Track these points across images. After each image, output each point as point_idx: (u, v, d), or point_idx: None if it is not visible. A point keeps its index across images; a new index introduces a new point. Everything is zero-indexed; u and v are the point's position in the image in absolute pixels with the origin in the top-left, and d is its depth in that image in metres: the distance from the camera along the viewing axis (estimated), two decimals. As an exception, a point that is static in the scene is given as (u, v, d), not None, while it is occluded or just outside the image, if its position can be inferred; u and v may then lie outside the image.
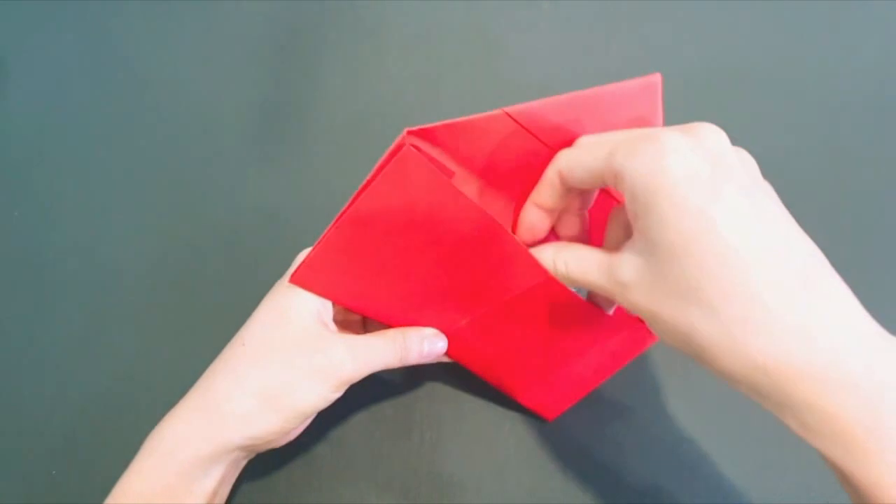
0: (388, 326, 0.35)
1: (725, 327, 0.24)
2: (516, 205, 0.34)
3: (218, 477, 0.33)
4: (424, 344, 0.35)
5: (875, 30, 0.49)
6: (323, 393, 0.33)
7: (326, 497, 0.40)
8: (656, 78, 0.32)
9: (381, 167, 0.31)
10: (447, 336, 0.36)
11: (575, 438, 0.41)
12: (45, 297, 0.44)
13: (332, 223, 0.33)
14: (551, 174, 0.31)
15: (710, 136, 0.26)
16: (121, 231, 0.45)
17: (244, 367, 0.33)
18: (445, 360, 0.37)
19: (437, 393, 0.41)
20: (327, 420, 0.40)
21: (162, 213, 0.46)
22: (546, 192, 0.32)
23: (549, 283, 0.33)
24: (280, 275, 0.35)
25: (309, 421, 0.36)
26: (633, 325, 0.37)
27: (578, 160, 0.29)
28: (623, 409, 0.41)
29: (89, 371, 0.43)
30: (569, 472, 0.40)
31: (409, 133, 0.31)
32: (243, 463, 0.36)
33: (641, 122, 0.32)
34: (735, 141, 0.27)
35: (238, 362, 0.33)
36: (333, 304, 0.35)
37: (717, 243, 0.24)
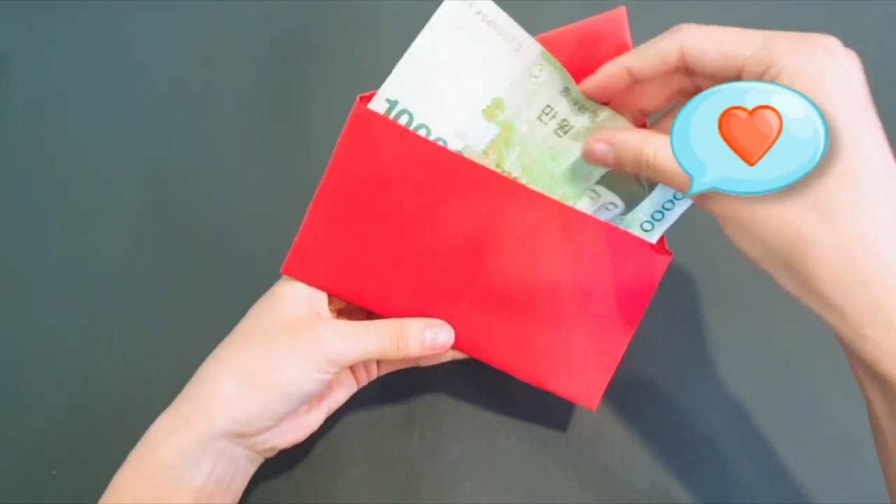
0: None
1: (838, 235, 0.25)
2: None
3: (207, 471, 0.31)
4: (426, 333, 0.34)
5: (875, 30, 0.49)
6: (305, 370, 0.32)
7: (326, 497, 0.40)
8: (621, 10, 0.32)
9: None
10: (454, 326, 0.35)
11: (575, 438, 0.41)
12: (45, 296, 0.44)
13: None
14: (667, 45, 0.29)
15: (855, 60, 0.26)
16: (120, 230, 0.45)
17: (227, 351, 0.33)
18: (459, 355, 0.36)
19: (437, 393, 0.41)
20: (327, 420, 0.40)
21: (162, 213, 0.46)
22: (650, 58, 0.29)
23: (534, 200, 0.33)
24: (278, 276, 0.35)
25: (318, 419, 0.36)
26: (639, 245, 0.35)
27: (717, 38, 0.28)
28: (624, 409, 0.41)
29: (88, 371, 0.43)
30: (569, 472, 0.40)
31: (362, 98, 0.33)
32: (245, 465, 0.34)
33: (619, 51, 0.32)
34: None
35: (223, 348, 0.33)
36: (330, 296, 0.35)
37: (856, 161, 0.25)
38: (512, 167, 0.34)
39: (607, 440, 0.41)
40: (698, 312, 0.43)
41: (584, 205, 0.35)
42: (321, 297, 0.34)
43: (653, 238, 0.35)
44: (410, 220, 0.34)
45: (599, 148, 0.32)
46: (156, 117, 0.48)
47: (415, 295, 0.34)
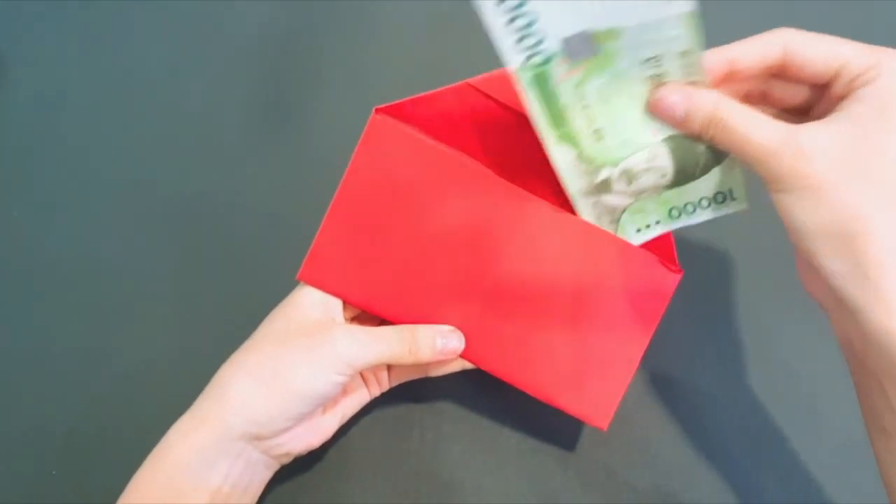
0: None
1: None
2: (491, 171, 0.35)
3: (223, 472, 0.32)
4: (437, 339, 0.34)
5: (874, 30, 0.49)
6: (320, 373, 0.32)
7: (326, 497, 0.40)
8: None
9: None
10: (465, 334, 0.35)
11: (575, 438, 0.41)
12: (45, 296, 0.44)
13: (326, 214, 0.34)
14: (771, 41, 0.29)
15: None
16: (120, 230, 0.45)
17: (244, 354, 0.34)
18: (468, 366, 0.37)
19: (438, 393, 0.41)
20: (327, 420, 0.40)
21: (161, 213, 0.46)
22: (754, 52, 0.29)
23: (547, 211, 0.33)
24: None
25: (333, 425, 0.36)
26: (651, 261, 0.35)
27: (820, 38, 0.29)
28: (624, 410, 0.41)
29: (89, 371, 0.43)
30: (569, 472, 0.40)
31: (378, 111, 0.33)
32: (261, 470, 0.34)
33: None
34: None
35: (240, 352, 0.34)
36: (345, 303, 0.35)
37: None
38: (590, 91, 0.31)
39: (607, 440, 0.41)
40: (698, 313, 0.43)
41: (639, 157, 0.33)
42: (336, 304, 0.35)
43: (637, 240, 0.35)
44: (424, 228, 0.34)
45: (673, 98, 0.30)
46: (156, 118, 0.48)
47: (427, 303, 0.35)
